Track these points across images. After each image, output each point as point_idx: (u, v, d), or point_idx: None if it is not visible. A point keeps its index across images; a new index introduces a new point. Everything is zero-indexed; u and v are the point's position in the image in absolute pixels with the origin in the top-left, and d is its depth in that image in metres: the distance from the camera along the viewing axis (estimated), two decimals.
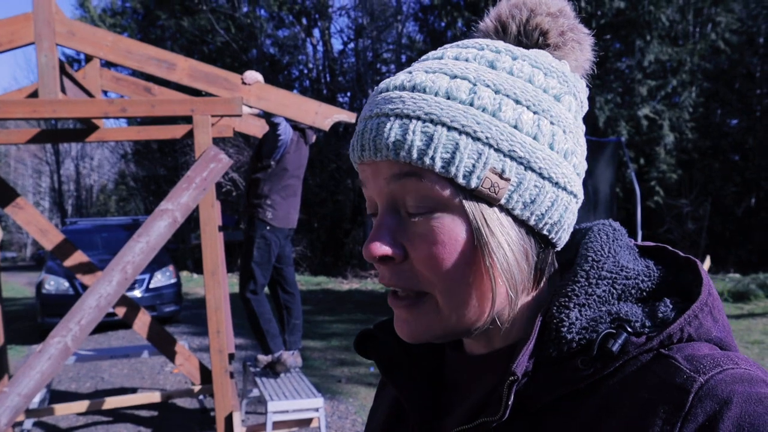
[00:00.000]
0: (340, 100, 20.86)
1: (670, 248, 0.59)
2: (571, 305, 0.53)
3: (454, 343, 0.65)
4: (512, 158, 0.51)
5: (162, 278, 9.64)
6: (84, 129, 4.52)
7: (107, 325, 8.60)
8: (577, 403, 0.50)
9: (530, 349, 0.52)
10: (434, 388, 0.65)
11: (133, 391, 5.87)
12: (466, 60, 0.54)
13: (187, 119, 3.54)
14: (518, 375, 0.50)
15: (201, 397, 5.21)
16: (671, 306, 0.51)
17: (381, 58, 20.73)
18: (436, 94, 0.52)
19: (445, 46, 0.58)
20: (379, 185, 0.54)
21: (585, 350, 0.51)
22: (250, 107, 3.75)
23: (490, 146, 0.51)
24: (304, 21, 20.52)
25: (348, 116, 3.81)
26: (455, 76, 0.52)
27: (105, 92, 5.11)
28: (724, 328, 0.53)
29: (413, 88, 0.53)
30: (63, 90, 3.49)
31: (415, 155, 0.51)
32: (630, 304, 0.53)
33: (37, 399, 4.87)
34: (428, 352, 0.67)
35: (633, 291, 0.54)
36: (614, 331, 0.50)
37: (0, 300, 4.55)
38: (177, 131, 4.42)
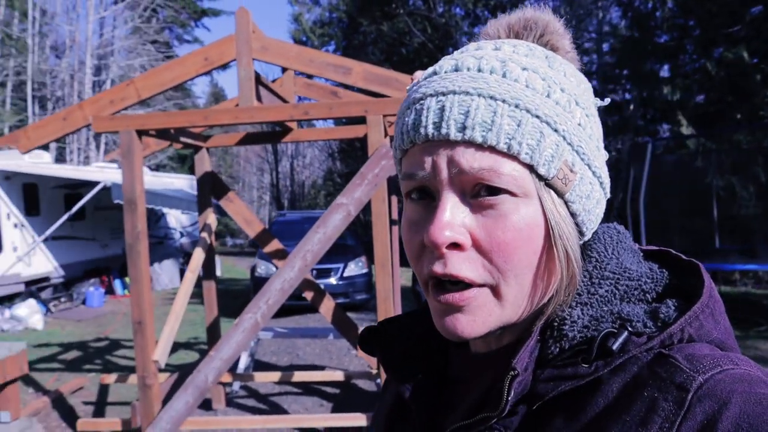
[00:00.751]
0: None
1: (673, 252, 0.59)
2: (574, 303, 0.54)
3: (459, 342, 0.64)
4: (578, 153, 0.53)
5: (355, 268, 10.38)
6: (280, 131, 5.11)
7: (306, 308, 9.55)
8: (578, 400, 0.50)
9: (531, 346, 0.53)
10: (438, 385, 0.65)
11: (322, 368, 6.46)
12: (526, 55, 0.54)
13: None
14: (519, 370, 0.51)
15: (378, 380, 5.55)
16: (673, 307, 0.52)
17: (582, 48, 19.72)
18: (516, 81, 0.51)
19: (487, 41, 0.59)
20: (447, 167, 0.52)
21: (586, 348, 0.51)
22: None
23: (565, 139, 0.52)
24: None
25: None
26: (525, 68, 0.52)
27: (301, 98, 5.69)
28: (726, 330, 0.53)
29: (491, 71, 0.52)
30: (259, 98, 3.99)
31: (503, 139, 0.50)
32: (632, 305, 0.53)
33: (242, 366, 5.63)
34: (433, 350, 0.67)
35: (635, 292, 0.54)
36: (615, 330, 0.51)
37: (216, 280, 5.35)
38: (359, 130, 4.75)
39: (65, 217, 10.36)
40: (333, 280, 9.83)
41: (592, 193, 0.56)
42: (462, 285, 0.53)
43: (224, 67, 4.16)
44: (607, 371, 0.50)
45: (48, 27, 23.32)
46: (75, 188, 11.31)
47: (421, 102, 0.54)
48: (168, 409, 3.52)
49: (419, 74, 0.59)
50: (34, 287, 10.35)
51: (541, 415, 0.52)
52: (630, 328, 0.50)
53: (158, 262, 13.57)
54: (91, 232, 12.09)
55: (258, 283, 10.05)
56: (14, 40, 21.27)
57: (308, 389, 5.72)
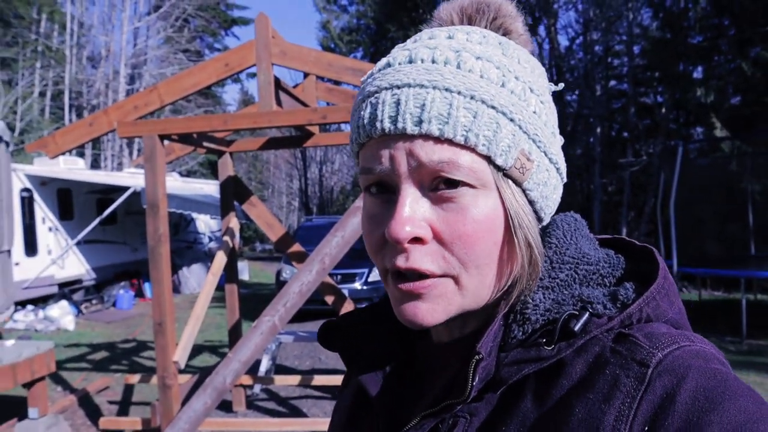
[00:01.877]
0: (568, 98, 20.03)
1: (626, 239, 0.61)
2: (536, 288, 0.55)
3: (421, 332, 0.65)
4: (534, 141, 0.54)
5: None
6: (303, 135, 5.15)
7: (329, 312, 9.57)
8: (543, 382, 0.51)
9: (495, 330, 0.53)
10: (401, 377, 0.64)
11: (343, 372, 6.46)
12: (480, 43, 0.54)
13: None
14: (483, 354, 0.51)
15: None
16: (631, 290, 0.53)
17: (612, 50, 19.39)
18: (470, 71, 0.51)
19: (441, 28, 0.58)
20: (406, 161, 0.51)
21: (549, 331, 0.52)
22: None
23: (521, 128, 0.52)
24: (528, 20, 20.21)
25: None
26: (479, 57, 0.52)
27: (327, 102, 5.73)
28: (680, 311, 0.55)
29: (445, 63, 0.52)
30: (279, 103, 4.03)
31: (460, 131, 0.50)
32: (591, 288, 0.54)
33: (263, 368, 5.68)
34: (394, 342, 0.67)
35: (594, 276, 0.55)
36: (577, 312, 0.52)
37: (238, 283, 5.40)
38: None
39: (97, 221, 10.63)
40: (357, 285, 9.84)
41: (549, 180, 0.56)
42: (423, 277, 0.52)
43: (242, 72, 4.21)
44: (570, 352, 0.50)
45: (85, 38, 24.04)
46: (107, 193, 11.61)
47: (376, 95, 0.53)
48: (186, 409, 3.57)
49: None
50: (66, 289, 10.64)
51: (506, 400, 0.52)
52: (591, 310, 0.51)
53: (187, 266, 13.81)
54: (121, 236, 12.38)
55: (282, 287, 10.14)
56: (53, 51, 21.99)
57: (329, 393, 5.73)
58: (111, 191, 11.37)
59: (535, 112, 0.53)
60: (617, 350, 0.49)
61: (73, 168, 11.36)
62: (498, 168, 0.52)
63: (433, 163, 0.50)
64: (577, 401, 0.47)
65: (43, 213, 10.45)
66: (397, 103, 0.51)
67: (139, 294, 12.42)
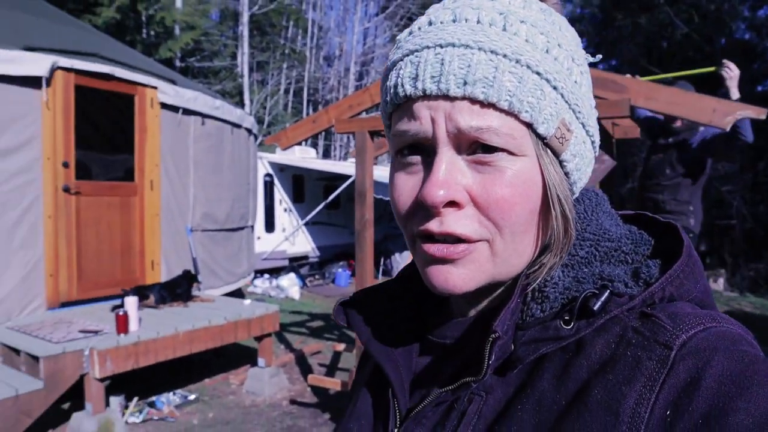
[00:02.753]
0: None
1: (649, 214, 0.59)
2: (548, 267, 0.54)
3: (438, 309, 0.65)
4: (575, 112, 0.52)
5: None
6: None
7: None
8: (561, 362, 0.50)
9: (512, 308, 0.52)
10: (417, 354, 0.64)
11: None
12: (523, 7, 0.51)
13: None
14: (500, 332, 0.50)
15: None
16: (653, 267, 0.51)
17: None
18: (516, 35, 0.49)
19: None
20: (445, 124, 0.49)
21: (568, 309, 0.50)
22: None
23: (563, 97, 0.51)
24: None
25: (755, 112, 3.33)
26: (524, 21, 0.50)
27: None
28: (705, 289, 0.52)
29: (490, 24, 0.49)
30: None
31: (504, 96, 0.48)
32: (612, 266, 0.53)
33: None
34: (411, 318, 0.67)
35: (615, 253, 0.53)
36: (597, 291, 0.50)
37: None
38: None
39: (322, 205, 11.97)
40: None
41: (585, 152, 0.55)
42: (456, 241, 0.51)
43: None
44: (590, 332, 0.49)
45: (322, 40, 26.82)
46: (333, 180, 12.93)
47: (417, 54, 0.51)
48: None
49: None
50: (295, 263, 12.19)
51: (523, 378, 0.51)
52: (611, 288, 0.50)
53: (399, 252, 14.75)
54: (343, 220, 13.67)
55: None
56: (297, 53, 24.95)
57: None
58: (336, 179, 12.65)
59: (576, 82, 0.52)
60: (639, 330, 0.47)
61: (306, 157, 12.90)
62: (538, 136, 0.50)
63: (473, 128, 0.48)
64: (597, 382, 0.46)
65: (281, 195, 12.09)
66: (441, 63, 0.49)
67: (355, 274, 13.60)
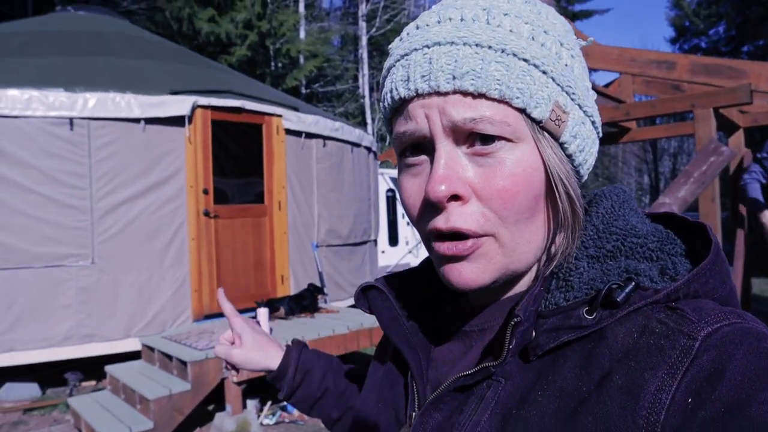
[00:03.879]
0: None
1: (679, 214, 0.59)
2: (581, 256, 0.54)
3: (457, 296, 0.66)
4: (568, 94, 0.53)
5: None
6: (617, 132, 5.07)
7: None
8: (583, 350, 0.50)
9: (535, 294, 0.53)
10: (436, 339, 0.65)
11: None
12: (507, 1, 0.53)
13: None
14: (521, 317, 0.51)
15: None
16: (680, 265, 0.52)
17: None
18: (499, 26, 0.50)
19: None
20: (440, 119, 0.51)
21: (591, 299, 0.51)
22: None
23: (554, 80, 0.52)
24: None
25: None
26: (507, 14, 0.51)
27: (646, 96, 5.49)
28: (731, 290, 0.52)
29: (473, 19, 0.51)
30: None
31: (493, 85, 0.49)
32: (637, 261, 0.53)
33: None
34: (430, 304, 0.68)
35: (641, 250, 0.53)
36: (621, 284, 0.50)
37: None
38: (687, 128, 4.40)
39: None
40: None
41: (585, 132, 0.55)
42: (465, 237, 0.52)
43: None
44: (612, 322, 0.49)
45: None
46: None
47: (407, 57, 0.53)
48: None
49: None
50: None
51: (544, 366, 0.52)
52: (636, 282, 0.50)
53: None
54: None
55: None
56: None
57: None
58: None
59: (566, 65, 0.53)
60: (664, 321, 0.47)
61: None
62: (534, 121, 0.51)
63: (467, 120, 0.50)
64: (618, 368, 0.46)
65: (402, 210, 12.40)
66: (429, 62, 0.50)
67: None
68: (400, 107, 0.55)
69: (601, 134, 0.59)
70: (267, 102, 6.21)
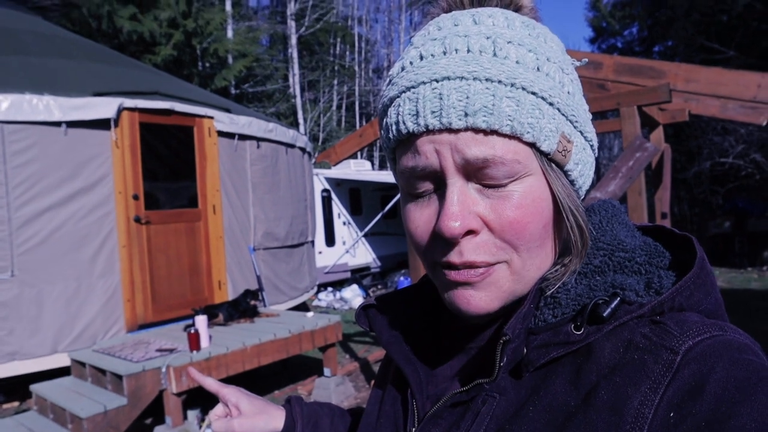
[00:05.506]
0: None
1: (668, 227, 0.60)
2: (568, 273, 0.55)
3: (452, 314, 0.64)
4: (572, 123, 0.54)
5: None
6: None
7: None
8: (571, 365, 0.51)
9: (523, 313, 0.53)
10: (434, 356, 0.66)
11: None
12: (507, 27, 0.53)
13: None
14: (510, 336, 0.51)
15: None
16: (665, 278, 0.52)
17: None
18: (506, 58, 0.50)
19: (462, 12, 0.56)
20: (452, 156, 0.51)
21: (579, 315, 0.52)
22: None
23: (560, 111, 0.52)
24: None
25: None
26: (511, 42, 0.51)
27: None
28: (716, 302, 0.53)
29: (480, 51, 0.50)
30: None
31: (505, 122, 0.49)
32: (625, 276, 0.54)
33: None
34: (427, 322, 0.69)
35: (629, 264, 0.54)
36: (608, 298, 0.51)
37: None
38: (613, 125, 4.63)
39: (380, 215, 12.16)
40: None
41: (586, 158, 0.56)
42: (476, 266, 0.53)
43: None
44: (599, 337, 0.50)
45: (370, 53, 27.21)
46: (389, 190, 13.13)
47: (414, 90, 0.52)
48: None
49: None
50: (357, 275, 12.42)
51: (535, 381, 0.53)
52: (622, 297, 0.51)
53: None
54: (401, 229, 13.82)
55: None
56: (346, 69, 25.44)
57: None
58: (392, 188, 12.84)
59: (569, 93, 0.53)
60: (647, 336, 0.48)
61: (361, 170, 13.16)
62: (542, 153, 0.52)
63: (480, 160, 0.50)
64: (604, 384, 0.47)
65: (339, 209, 12.39)
66: (440, 98, 0.50)
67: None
68: (406, 140, 0.54)
69: (596, 154, 0.60)
70: (198, 103, 6.03)
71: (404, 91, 0.53)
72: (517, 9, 0.57)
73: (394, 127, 0.54)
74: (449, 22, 0.55)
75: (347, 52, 26.16)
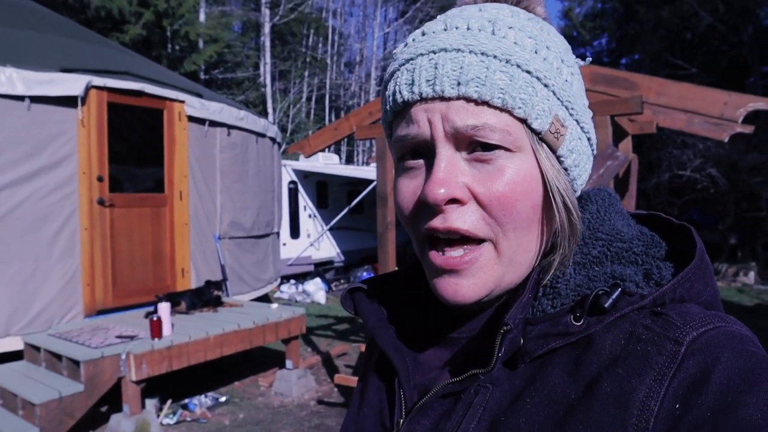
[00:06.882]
0: None
1: (663, 216, 0.59)
2: (560, 260, 0.55)
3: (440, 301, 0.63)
4: (567, 109, 0.54)
5: None
6: None
7: None
8: (571, 357, 0.50)
9: (524, 302, 0.52)
10: (424, 344, 0.64)
11: None
12: (511, 16, 0.54)
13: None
14: (511, 326, 0.51)
15: None
16: (665, 269, 0.52)
17: None
18: (504, 38, 0.51)
19: (470, 4, 0.58)
20: (442, 124, 0.51)
21: (579, 306, 0.51)
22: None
23: (554, 94, 0.52)
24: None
25: (767, 104, 3.36)
26: (512, 27, 0.52)
27: None
28: (714, 293, 0.53)
29: (480, 29, 0.52)
30: None
31: (497, 94, 0.50)
32: (623, 266, 0.53)
33: None
34: (415, 309, 0.67)
35: (627, 254, 0.54)
36: (608, 289, 0.51)
37: None
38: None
39: (346, 210, 12.14)
40: None
41: (581, 148, 0.56)
42: (461, 241, 0.52)
43: None
44: (600, 328, 0.50)
45: (343, 47, 27.08)
46: (356, 185, 13.11)
47: (412, 62, 0.53)
48: None
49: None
50: (320, 268, 12.37)
51: (532, 372, 0.52)
52: (622, 288, 0.51)
53: None
54: (366, 224, 13.81)
55: None
56: (318, 61, 25.25)
57: None
58: (359, 183, 12.82)
59: (566, 81, 0.54)
60: (650, 327, 0.48)
61: (329, 163, 13.10)
62: (533, 131, 0.52)
63: (470, 127, 0.50)
64: (606, 376, 0.47)
65: (305, 202, 12.31)
66: (435, 67, 0.51)
67: None
68: (402, 110, 0.54)
69: (595, 152, 0.60)
70: (169, 86, 5.90)
71: (403, 64, 0.54)
72: (530, 11, 0.58)
73: (391, 99, 0.55)
74: (456, 9, 0.57)
75: (320, 44, 25.95)
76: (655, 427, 0.43)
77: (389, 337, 0.62)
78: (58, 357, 4.17)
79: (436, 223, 0.52)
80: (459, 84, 0.50)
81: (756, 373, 0.42)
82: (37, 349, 4.42)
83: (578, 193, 0.58)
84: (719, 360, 0.43)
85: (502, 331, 0.51)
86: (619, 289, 0.50)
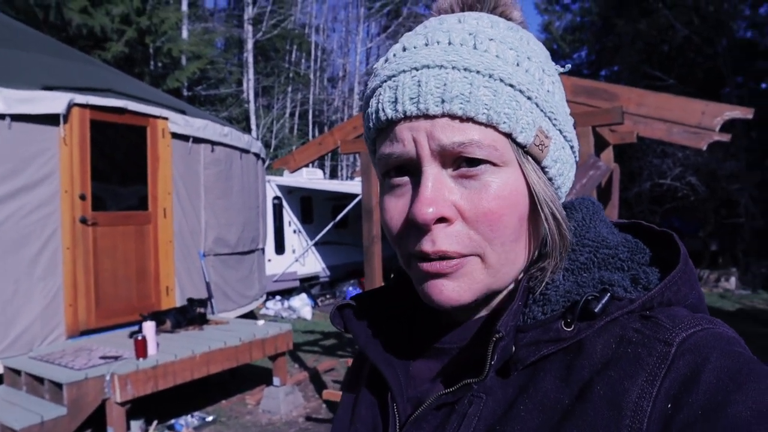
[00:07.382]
0: None
1: (645, 223, 0.60)
2: (550, 269, 0.55)
3: (434, 313, 0.64)
4: (550, 119, 0.54)
5: None
6: None
7: None
8: (563, 362, 0.51)
9: (515, 309, 0.53)
10: (415, 356, 0.64)
11: None
12: (491, 27, 0.54)
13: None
14: (503, 333, 0.51)
15: None
16: (651, 273, 0.53)
17: None
18: (486, 51, 0.51)
19: (449, 15, 0.58)
20: (428, 142, 0.51)
21: (569, 312, 0.52)
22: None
23: (537, 106, 0.53)
24: None
25: (743, 112, 3.44)
26: (493, 39, 0.52)
27: None
28: (699, 296, 0.54)
29: (461, 44, 0.52)
30: None
31: (481, 110, 0.50)
32: (610, 272, 0.54)
33: None
34: (408, 320, 0.68)
35: (613, 260, 0.55)
36: (597, 295, 0.51)
37: None
38: None
39: (331, 224, 12.11)
40: None
41: (565, 157, 0.57)
42: (449, 257, 0.52)
43: None
44: (590, 333, 0.50)
45: (326, 62, 27.20)
46: (340, 200, 13.09)
47: (395, 79, 0.53)
48: None
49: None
50: (306, 284, 12.31)
51: (525, 379, 0.52)
52: (611, 293, 0.51)
53: None
54: (352, 238, 13.78)
55: None
56: (301, 76, 25.33)
57: None
58: (343, 198, 12.80)
59: (549, 91, 0.54)
60: (640, 330, 0.49)
61: (313, 178, 13.08)
62: (519, 145, 0.52)
63: (456, 144, 0.50)
64: (599, 379, 0.47)
65: (289, 217, 12.26)
66: (418, 84, 0.51)
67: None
68: (386, 128, 0.54)
69: (578, 159, 0.61)
70: (152, 103, 5.87)
71: (385, 81, 0.54)
72: (508, 20, 0.59)
73: (374, 116, 0.55)
74: (435, 21, 0.56)
75: (303, 60, 26.05)
76: (648, 428, 0.43)
77: (379, 352, 0.62)
78: (40, 380, 4.09)
79: (427, 247, 0.52)
80: (443, 101, 0.50)
81: (744, 373, 0.43)
82: (17, 372, 4.33)
83: (562, 200, 0.59)
84: (708, 360, 0.44)
85: (494, 339, 0.51)
86: (609, 294, 0.51)
